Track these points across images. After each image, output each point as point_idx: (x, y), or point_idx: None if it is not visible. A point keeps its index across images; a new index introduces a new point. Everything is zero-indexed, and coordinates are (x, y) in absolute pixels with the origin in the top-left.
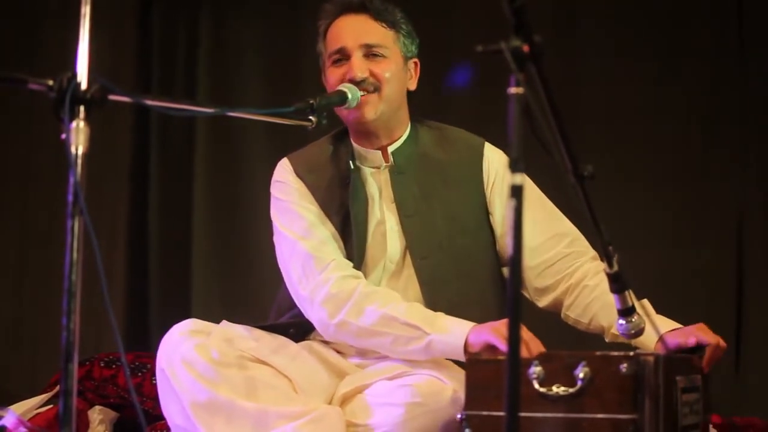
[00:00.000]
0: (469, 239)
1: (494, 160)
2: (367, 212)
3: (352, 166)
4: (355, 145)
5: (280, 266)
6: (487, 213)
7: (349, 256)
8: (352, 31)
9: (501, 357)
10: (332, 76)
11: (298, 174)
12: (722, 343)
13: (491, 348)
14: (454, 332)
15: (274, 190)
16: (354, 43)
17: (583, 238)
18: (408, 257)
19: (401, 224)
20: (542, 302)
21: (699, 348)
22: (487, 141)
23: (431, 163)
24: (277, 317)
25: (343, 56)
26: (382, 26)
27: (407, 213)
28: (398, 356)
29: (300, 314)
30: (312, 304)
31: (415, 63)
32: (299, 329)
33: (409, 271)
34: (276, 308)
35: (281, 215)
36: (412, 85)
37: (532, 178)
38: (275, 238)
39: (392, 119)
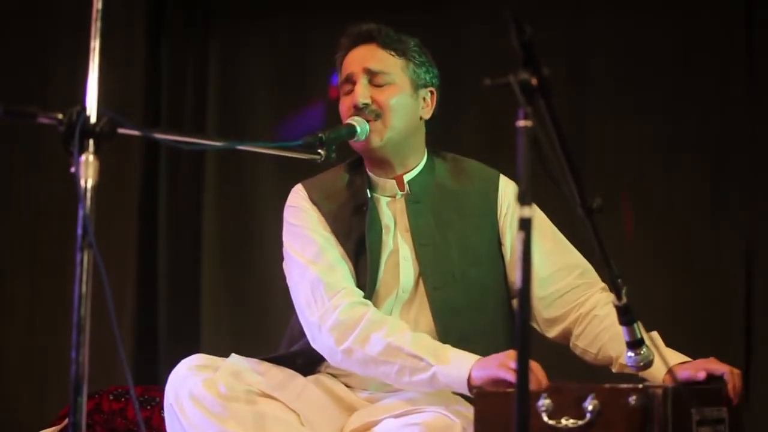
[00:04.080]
0: (482, 271)
1: (508, 191)
2: (381, 241)
3: (369, 195)
4: (370, 173)
5: (290, 291)
6: (500, 244)
7: (361, 285)
8: (359, 58)
9: (508, 389)
10: (342, 105)
11: (313, 200)
12: (735, 370)
13: (495, 382)
14: (458, 365)
15: (288, 215)
16: (358, 69)
17: (593, 270)
18: (420, 287)
19: (415, 253)
20: (551, 333)
21: (714, 380)
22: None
23: (447, 193)
24: (289, 346)
25: (350, 84)
26: (390, 54)
27: (422, 242)
28: (403, 387)
29: (309, 343)
30: (320, 330)
31: (431, 92)
32: (307, 359)
33: (421, 301)
34: (288, 336)
35: (293, 240)
36: (426, 114)
37: (542, 209)
38: (286, 263)
39: (403, 147)
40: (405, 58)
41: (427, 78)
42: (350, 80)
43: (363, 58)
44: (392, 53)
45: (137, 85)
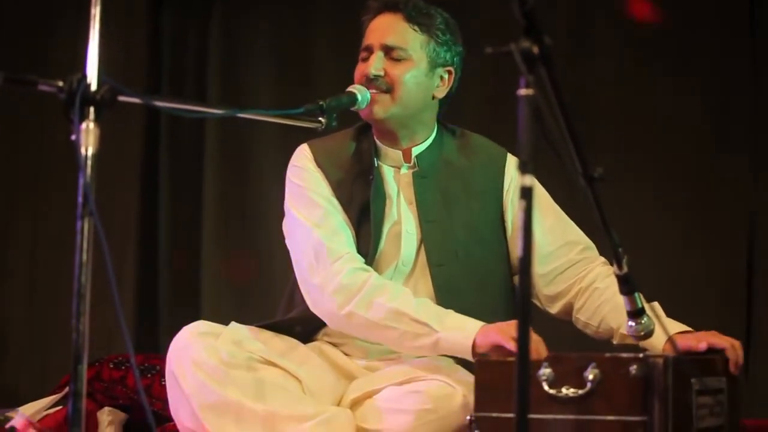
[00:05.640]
0: (486, 250)
1: (513, 169)
2: (384, 211)
3: (376, 164)
4: (377, 141)
5: (290, 251)
6: (503, 221)
7: (362, 253)
8: (380, 29)
9: (510, 358)
10: (356, 71)
11: (318, 163)
12: (736, 343)
13: (499, 348)
14: (463, 332)
15: (292, 174)
16: (376, 42)
17: (594, 247)
18: (420, 261)
19: (421, 228)
20: (554, 309)
21: (715, 352)
22: (496, 141)
23: (454, 169)
24: (286, 312)
25: (368, 53)
26: (413, 29)
27: (428, 218)
28: (405, 351)
29: (308, 309)
30: (322, 293)
31: (449, 72)
32: (306, 326)
33: (421, 275)
34: (286, 302)
35: (297, 201)
36: (440, 93)
37: (543, 182)
38: (287, 222)
39: (411, 123)
40: (427, 35)
41: (447, 57)
42: (368, 49)
43: (383, 30)
44: (415, 28)
45: (138, 53)
